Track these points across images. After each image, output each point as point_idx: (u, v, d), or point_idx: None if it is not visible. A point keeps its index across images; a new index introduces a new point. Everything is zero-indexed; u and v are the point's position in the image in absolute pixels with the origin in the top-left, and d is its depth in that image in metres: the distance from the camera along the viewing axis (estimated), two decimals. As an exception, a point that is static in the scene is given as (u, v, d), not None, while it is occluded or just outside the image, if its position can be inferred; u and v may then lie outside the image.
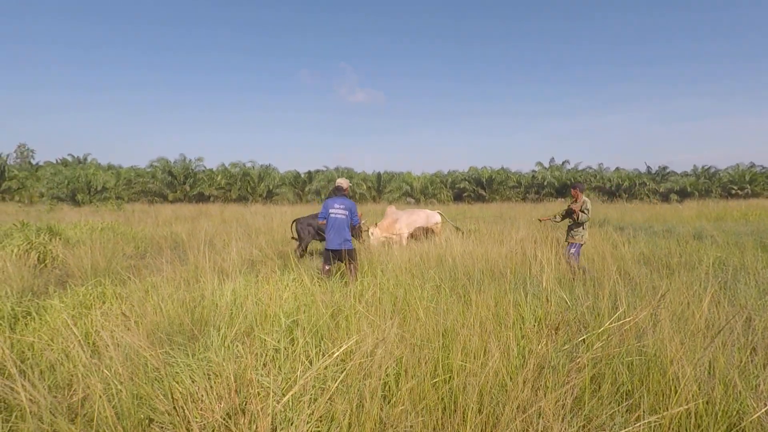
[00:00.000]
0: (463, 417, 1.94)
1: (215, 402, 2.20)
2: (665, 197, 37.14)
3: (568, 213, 6.62)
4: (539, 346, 2.74)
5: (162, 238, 10.64)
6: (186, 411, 2.11)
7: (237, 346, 2.83)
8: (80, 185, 33.87)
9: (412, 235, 9.62)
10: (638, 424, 1.93)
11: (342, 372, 2.12)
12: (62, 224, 10.94)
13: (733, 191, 36.68)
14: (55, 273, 6.50)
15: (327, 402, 1.99)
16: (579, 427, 2.08)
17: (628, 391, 2.41)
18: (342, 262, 5.75)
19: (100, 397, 2.09)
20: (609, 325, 2.82)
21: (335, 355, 2.18)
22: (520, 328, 3.06)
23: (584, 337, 2.84)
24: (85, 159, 44.30)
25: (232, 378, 2.21)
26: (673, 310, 3.41)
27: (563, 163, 43.09)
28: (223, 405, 2.16)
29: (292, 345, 2.92)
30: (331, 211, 5.86)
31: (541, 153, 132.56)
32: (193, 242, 7.49)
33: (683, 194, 36.69)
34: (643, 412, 2.10)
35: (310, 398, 2.05)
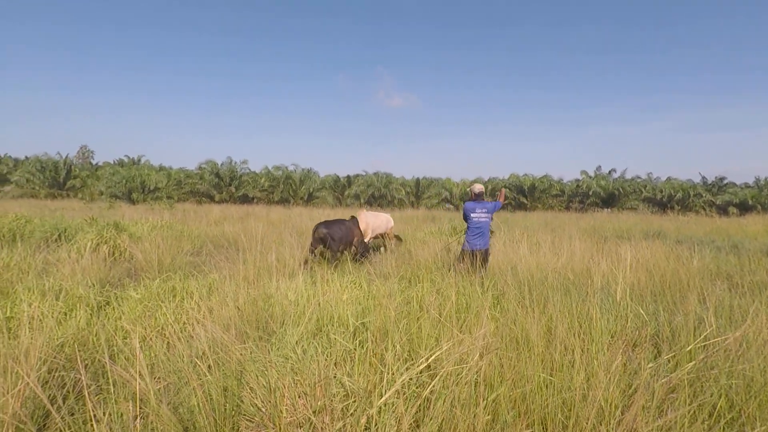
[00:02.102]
0: None
1: (297, 398, 2.24)
2: (723, 210, 34.86)
3: None
4: (614, 365, 2.62)
5: (215, 237, 11.06)
6: (272, 406, 2.17)
7: (310, 345, 2.88)
8: (135, 185, 35.84)
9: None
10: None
11: (433, 378, 2.10)
12: (124, 221, 11.59)
13: (804, 205, 33.93)
14: (125, 266, 6.89)
15: (418, 407, 1.98)
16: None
17: (734, 418, 2.26)
18: (482, 261, 5.98)
19: (194, 387, 2.18)
20: (697, 344, 2.66)
21: (429, 360, 2.17)
22: (598, 344, 2.93)
23: (671, 355, 2.69)
24: (139, 160, 46.70)
25: (317, 376, 2.26)
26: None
27: (610, 171, 41.40)
28: (306, 402, 2.20)
29: (361, 347, 2.94)
30: (473, 215, 6.25)
31: (584, 161, 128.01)
32: (246, 242, 7.75)
33: (744, 207, 34.28)
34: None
35: (405, 401, 2.05)
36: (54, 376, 2.69)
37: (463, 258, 6.02)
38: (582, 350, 2.64)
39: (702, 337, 2.74)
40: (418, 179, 39.98)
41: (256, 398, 2.26)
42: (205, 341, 2.74)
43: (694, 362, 2.46)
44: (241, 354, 2.54)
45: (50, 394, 2.45)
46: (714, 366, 2.57)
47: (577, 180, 40.88)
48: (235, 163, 39.57)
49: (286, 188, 38.12)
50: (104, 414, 2.24)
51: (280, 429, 2.09)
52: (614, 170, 41.09)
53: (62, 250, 6.88)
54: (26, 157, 41.60)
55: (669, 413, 2.02)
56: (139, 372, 2.24)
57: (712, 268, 7.18)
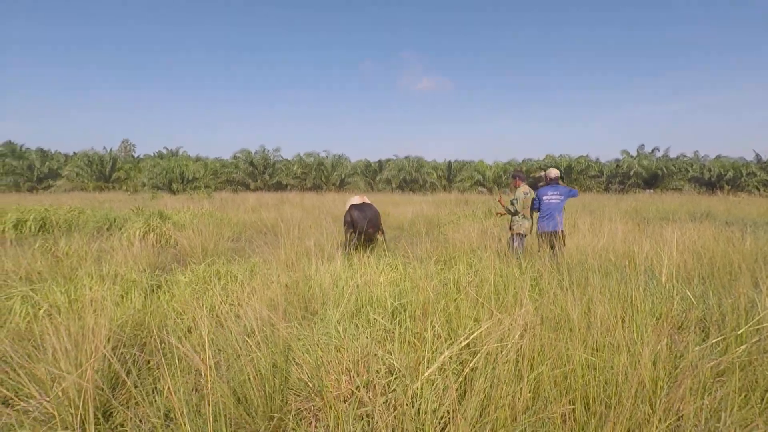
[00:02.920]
0: (605, 410, 1.88)
1: (341, 374, 2.34)
2: (780, 190, 32.60)
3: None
4: (659, 346, 2.56)
5: (252, 224, 11.42)
6: (318, 380, 2.28)
7: (350, 324, 2.97)
8: (175, 175, 37.23)
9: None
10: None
11: (473, 356, 2.14)
12: (167, 210, 12.13)
13: None
14: (171, 252, 7.26)
15: (461, 383, 2.03)
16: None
17: None
18: (555, 243, 6.00)
19: (245, 362, 2.32)
20: (750, 327, 2.56)
21: (470, 338, 2.21)
22: (642, 326, 2.87)
23: (720, 338, 2.61)
24: (177, 151, 48.23)
25: (359, 353, 2.34)
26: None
27: (653, 150, 39.39)
28: (350, 378, 2.29)
29: (400, 327, 3.01)
30: (544, 198, 6.31)
31: (625, 142, 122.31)
32: (284, 227, 7.96)
33: (803, 186, 31.96)
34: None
35: (447, 376, 2.10)
36: (116, 353, 2.91)
37: (539, 242, 6.15)
38: (624, 332, 2.59)
39: (755, 320, 2.63)
40: (449, 162, 39.53)
41: (303, 374, 2.37)
42: (252, 320, 2.89)
43: (745, 345, 2.38)
44: (287, 332, 2.66)
45: (116, 369, 2.66)
46: (768, 349, 2.48)
47: (617, 160, 39.22)
48: (268, 151, 40.39)
49: (318, 175, 38.60)
50: (165, 387, 2.41)
51: (326, 403, 2.19)
52: (657, 149, 39.13)
53: (114, 239, 7.31)
54: (74, 153, 43.87)
55: (717, 395, 1.97)
56: (196, 348, 2.39)
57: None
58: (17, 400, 2.39)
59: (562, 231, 6.19)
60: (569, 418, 1.98)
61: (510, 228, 6.51)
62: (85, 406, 2.24)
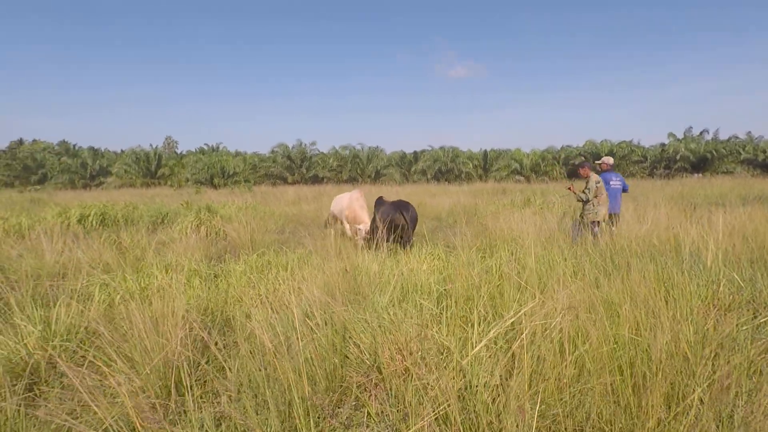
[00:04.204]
0: (643, 382, 1.98)
1: (395, 353, 2.54)
2: None
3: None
4: (706, 326, 2.60)
5: (294, 216, 11.85)
6: (374, 358, 2.50)
7: (399, 308, 3.17)
8: (216, 171, 38.61)
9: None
10: None
11: (519, 333, 2.28)
12: (213, 204, 12.75)
13: None
14: (221, 244, 7.72)
15: (509, 359, 2.19)
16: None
17: None
18: (614, 222, 6.99)
19: (306, 342, 2.57)
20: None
21: (515, 317, 2.36)
22: (686, 307, 2.90)
23: (766, 318, 2.62)
24: (218, 147, 49.74)
25: (410, 334, 2.54)
26: None
27: (701, 133, 37.20)
28: (403, 357, 2.49)
29: (446, 311, 3.17)
30: (610, 182, 7.22)
31: (671, 124, 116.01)
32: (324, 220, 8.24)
33: None
34: None
35: (496, 353, 2.27)
36: (190, 335, 3.24)
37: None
38: (668, 312, 2.65)
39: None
40: (485, 151, 38.96)
41: (361, 352, 2.59)
42: (307, 304, 3.14)
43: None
44: (343, 315, 2.89)
45: (198, 342, 2.98)
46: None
47: (662, 144, 37.38)
48: (305, 145, 41.15)
49: (354, 167, 39.02)
50: (234, 365, 2.69)
51: (384, 377, 2.40)
52: (707, 131, 36.91)
53: (169, 232, 7.85)
54: (122, 151, 46.20)
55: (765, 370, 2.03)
56: (259, 330, 2.66)
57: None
58: (111, 373, 2.74)
59: (618, 213, 7.20)
60: (611, 390, 2.10)
61: (581, 216, 6.86)
62: (170, 379, 2.56)
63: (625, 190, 7.35)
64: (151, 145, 44.33)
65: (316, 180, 38.55)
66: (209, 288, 4.49)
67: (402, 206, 7.13)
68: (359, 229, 7.66)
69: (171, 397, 2.52)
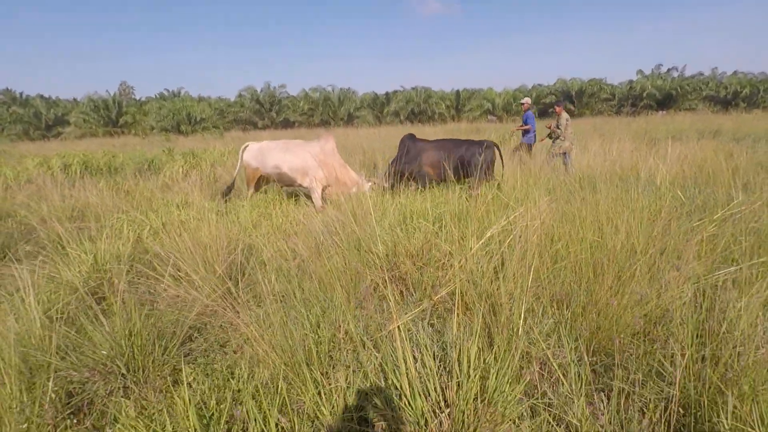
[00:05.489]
0: (601, 265, 2.63)
1: (406, 258, 3.12)
2: (797, 105, 31.85)
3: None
4: (654, 231, 3.28)
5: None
6: (390, 261, 3.07)
7: (400, 229, 3.72)
8: (182, 117, 37.09)
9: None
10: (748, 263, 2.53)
11: (508, 237, 2.87)
12: (196, 150, 12.74)
13: None
14: (215, 186, 8.00)
15: (500, 255, 2.79)
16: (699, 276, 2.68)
17: (736, 258, 2.93)
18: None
19: (333, 252, 3.10)
20: (723, 213, 3.26)
21: (506, 222, 2.95)
22: (638, 218, 3.57)
23: (699, 222, 3.31)
24: (179, 92, 47.32)
25: (420, 242, 3.11)
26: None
27: (669, 70, 38.07)
28: (413, 261, 3.08)
29: (443, 229, 3.75)
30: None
31: (643, 61, 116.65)
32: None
33: (823, 99, 31.15)
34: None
35: (490, 252, 2.88)
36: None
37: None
38: (624, 220, 3.31)
39: (728, 207, 3.32)
40: (458, 91, 38.79)
41: (378, 259, 3.15)
42: (323, 225, 3.65)
43: (716, 222, 3.08)
44: (358, 232, 3.42)
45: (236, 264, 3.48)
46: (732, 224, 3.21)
47: (630, 81, 38.13)
48: (274, 88, 39.76)
49: (326, 110, 38.29)
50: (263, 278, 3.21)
51: (398, 275, 2.99)
52: (675, 68, 37.75)
53: (160, 177, 8.04)
54: (74, 99, 43.34)
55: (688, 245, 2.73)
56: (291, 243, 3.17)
57: (764, 162, 7.34)
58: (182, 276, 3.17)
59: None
60: (577, 269, 2.77)
61: (551, 149, 8.06)
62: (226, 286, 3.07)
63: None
64: (107, 91, 41.73)
65: (288, 124, 37.77)
66: (228, 222, 4.91)
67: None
68: (365, 188, 6.08)
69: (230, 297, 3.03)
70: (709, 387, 1.86)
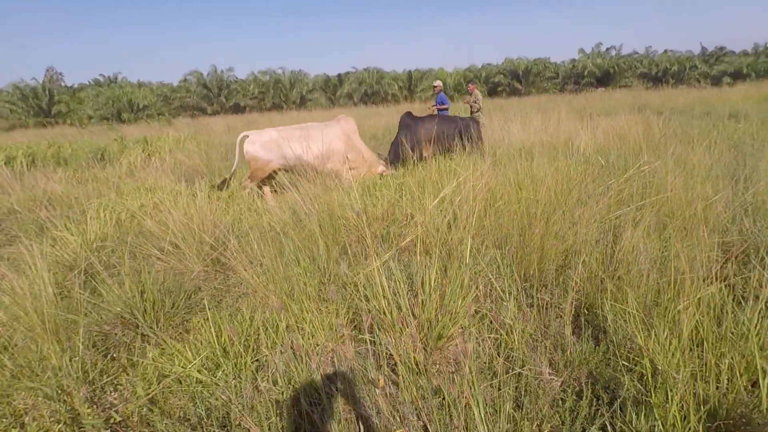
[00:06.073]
0: (533, 214, 3.26)
1: (374, 221, 3.62)
2: (717, 81, 34.88)
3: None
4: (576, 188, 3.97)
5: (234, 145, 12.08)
6: (359, 222, 3.56)
7: (367, 197, 4.21)
8: (122, 104, 35.03)
9: None
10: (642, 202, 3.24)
11: (459, 195, 3.42)
12: (148, 137, 12.47)
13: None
14: (179, 171, 8.10)
15: (451, 212, 3.34)
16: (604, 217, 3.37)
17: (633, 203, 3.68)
18: None
19: (314, 220, 3.54)
20: (631, 172, 3.99)
21: (458, 182, 3.50)
22: (565, 179, 4.26)
23: (612, 181, 4.03)
24: (116, 78, 44.50)
25: (386, 205, 3.61)
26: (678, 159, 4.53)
27: (608, 49, 40.37)
28: (381, 222, 3.58)
29: (404, 196, 4.27)
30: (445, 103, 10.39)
31: (585, 40, 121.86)
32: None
33: (737, 76, 34.28)
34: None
35: (444, 211, 3.43)
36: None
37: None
38: (554, 182, 3.96)
39: (636, 166, 4.06)
40: (410, 72, 39.22)
41: (349, 223, 3.63)
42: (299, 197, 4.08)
43: (625, 179, 3.80)
44: (329, 201, 3.87)
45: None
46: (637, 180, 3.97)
47: (573, 60, 40.14)
48: (221, 71, 38.38)
49: (277, 93, 37.53)
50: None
51: (372, 233, 3.49)
52: (614, 47, 40.06)
53: (121, 165, 8.02)
54: (-5, 87, 39.60)
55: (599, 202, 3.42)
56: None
57: (678, 132, 8.41)
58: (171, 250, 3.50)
59: None
60: (515, 218, 3.40)
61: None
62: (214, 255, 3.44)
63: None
64: (34, 79, 38.52)
65: (238, 109, 36.74)
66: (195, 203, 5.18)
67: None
68: (378, 170, 5.99)
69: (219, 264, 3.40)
70: (608, 291, 2.53)
